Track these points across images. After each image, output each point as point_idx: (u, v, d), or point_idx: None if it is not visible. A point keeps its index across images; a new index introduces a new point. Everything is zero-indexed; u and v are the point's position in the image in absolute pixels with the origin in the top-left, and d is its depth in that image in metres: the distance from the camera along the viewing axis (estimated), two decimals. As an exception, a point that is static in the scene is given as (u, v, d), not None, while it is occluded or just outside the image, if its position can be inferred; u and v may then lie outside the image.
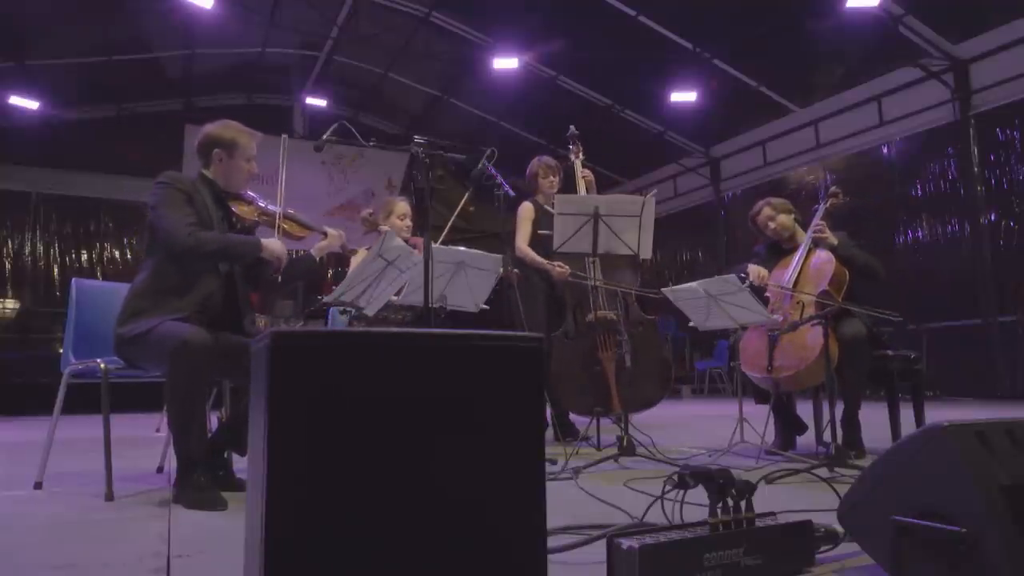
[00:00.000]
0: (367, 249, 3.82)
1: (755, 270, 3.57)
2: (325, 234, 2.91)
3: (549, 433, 4.06)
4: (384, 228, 3.63)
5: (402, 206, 3.86)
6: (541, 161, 4.41)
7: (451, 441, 1.15)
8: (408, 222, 3.81)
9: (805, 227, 3.67)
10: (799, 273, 3.50)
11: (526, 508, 1.17)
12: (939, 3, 8.08)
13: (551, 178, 4.34)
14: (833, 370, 3.11)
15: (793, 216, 3.76)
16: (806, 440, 3.64)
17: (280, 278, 2.86)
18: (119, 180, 11.12)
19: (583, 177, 4.26)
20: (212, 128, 2.71)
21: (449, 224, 4.38)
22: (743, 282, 3.49)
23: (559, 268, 4.02)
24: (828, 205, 3.65)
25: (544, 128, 12.54)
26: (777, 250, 3.80)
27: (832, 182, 9.87)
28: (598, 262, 3.74)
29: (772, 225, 3.75)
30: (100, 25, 9.94)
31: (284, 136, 2.90)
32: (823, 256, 3.48)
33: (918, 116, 9.03)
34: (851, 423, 3.32)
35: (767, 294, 3.59)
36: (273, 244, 2.63)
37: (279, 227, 2.74)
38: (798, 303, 3.42)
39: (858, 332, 3.27)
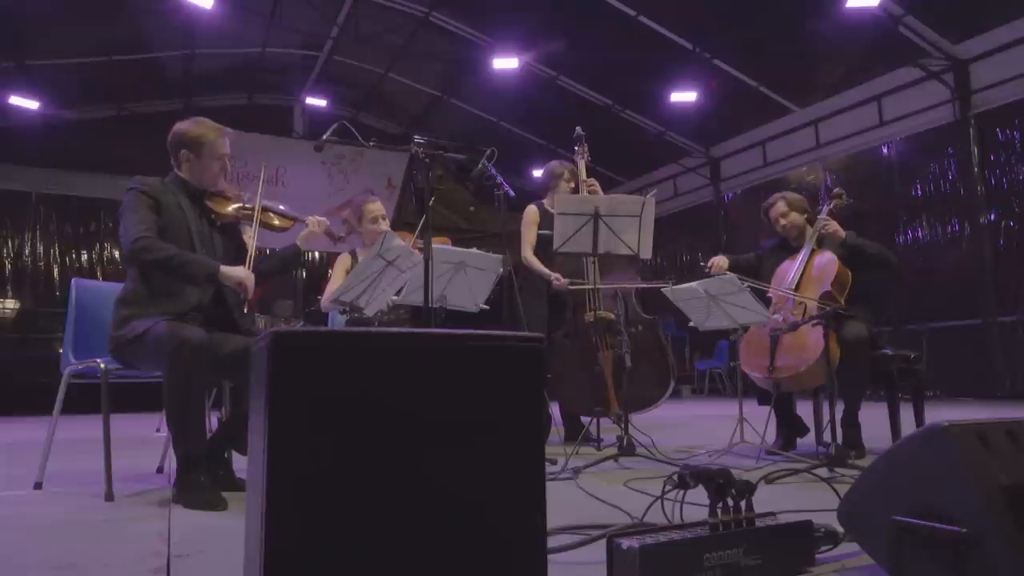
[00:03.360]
0: (350, 254, 3.81)
1: (713, 261, 3.70)
2: (305, 223, 2.89)
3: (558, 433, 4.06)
4: (372, 228, 3.64)
5: (371, 208, 3.76)
6: (564, 165, 4.38)
7: (451, 441, 1.15)
8: (380, 223, 3.73)
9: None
10: (802, 274, 3.48)
11: (526, 508, 1.17)
12: (939, 3, 8.08)
13: (573, 183, 4.33)
14: (834, 371, 3.11)
15: (806, 216, 3.73)
16: (806, 440, 3.64)
17: (268, 270, 2.85)
18: (119, 180, 10.98)
19: (588, 187, 4.26)
20: (180, 126, 2.68)
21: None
22: (704, 270, 3.63)
23: (557, 280, 4.03)
24: (832, 206, 3.64)
25: (544, 128, 12.54)
26: (784, 247, 3.79)
27: (832, 182, 9.88)
28: (597, 262, 3.74)
29: (783, 221, 3.72)
30: (100, 25, 9.94)
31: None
32: (826, 257, 3.46)
33: (918, 116, 9.03)
34: (851, 424, 3.31)
35: (769, 294, 3.59)
36: (234, 272, 2.48)
37: (259, 220, 2.72)
38: (800, 304, 3.41)
39: (860, 334, 3.26)
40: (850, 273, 3.42)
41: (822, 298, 3.33)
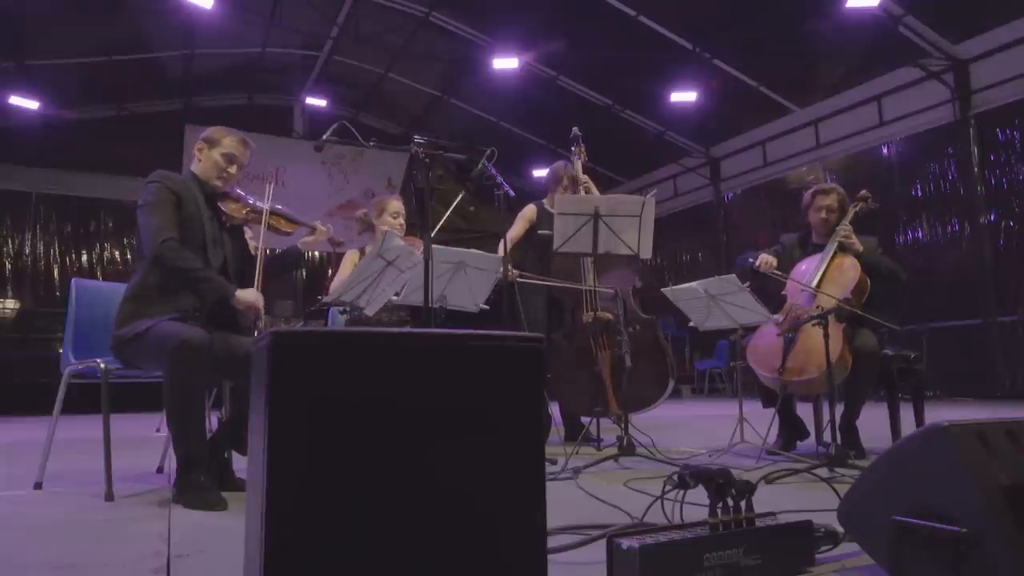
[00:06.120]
0: (359, 250, 3.83)
1: (763, 257, 3.56)
2: (313, 229, 2.91)
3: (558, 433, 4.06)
4: (384, 228, 3.63)
5: (394, 204, 3.83)
6: (568, 170, 4.34)
7: (451, 441, 1.15)
8: (401, 220, 3.78)
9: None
10: (823, 275, 3.43)
11: (526, 508, 1.17)
12: (939, 3, 8.09)
13: (571, 191, 4.30)
14: (844, 380, 3.11)
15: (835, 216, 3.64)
16: (806, 440, 3.63)
17: (267, 272, 2.85)
18: (119, 180, 11.13)
19: (583, 184, 4.27)
20: (208, 129, 2.77)
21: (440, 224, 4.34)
22: (751, 266, 3.51)
23: (511, 273, 3.99)
24: (857, 208, 3.57)
25: (544, 128, 12.55)
26: (804, 243, 3.73)
27: (832, 183, 9.86)
28: (595, 262, 3.74)
29: (824, 215, 3.60)
30: (100, 25, 9.94)
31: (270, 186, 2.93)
32: (849, 263, 3.40)
33: (918, 116, 9.04)
34: (849, 430, 3.30)
35: (784, 292, 3.56)
36: (247, 295, 2.53)
37: (267, 223, 2.76)
38: (818, 306, 3.31)
39: (874, 347, 3.24)
40: (869, 281, 3.37)
41: (841, 303, 3.27)
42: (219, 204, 2.71)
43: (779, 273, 3.52)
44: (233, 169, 2.72)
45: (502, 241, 4.24)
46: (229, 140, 2.70)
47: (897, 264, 3.55)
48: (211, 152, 2.69)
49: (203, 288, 2.49)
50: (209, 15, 9.55)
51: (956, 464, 1.20)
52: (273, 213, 2.78)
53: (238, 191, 2.80)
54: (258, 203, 2.79)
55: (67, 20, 9.58)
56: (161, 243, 2.43)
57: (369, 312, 3.16)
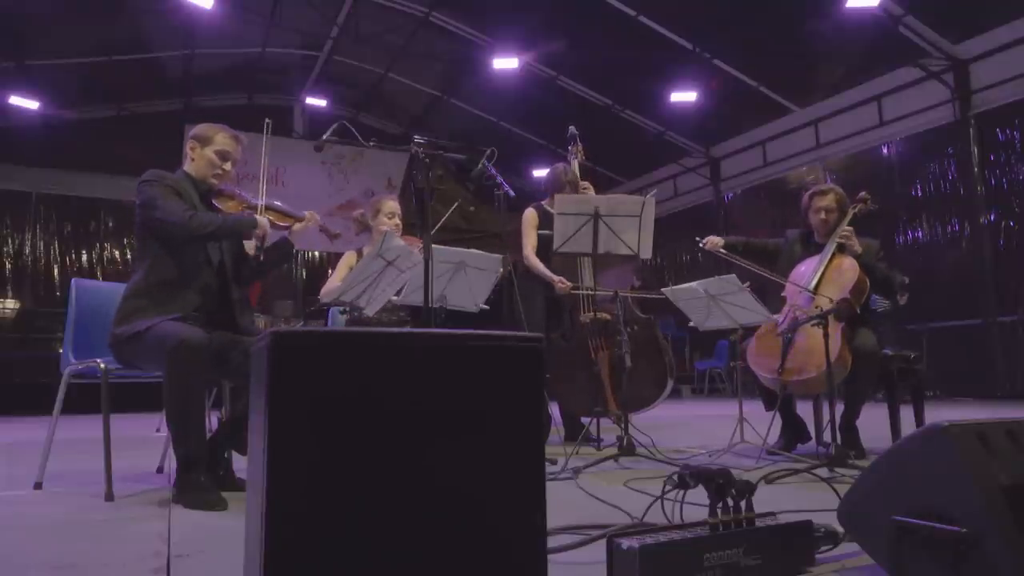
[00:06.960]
0: (356, 251, 3.83)
1: (709, 239, 3.70)
2: (301, 218, 2.90)
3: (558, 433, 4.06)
4: (383, 228, 3.63)
5: (390, 204, 3.82)
6: (569, 173, 4.31)
7: (451, 441, 1.15)
8: (397, 220, 3.77)
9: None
10: (821, 276, 3.42)
11: (526, 508, 1.17)
12: (939, 3, 8.09)
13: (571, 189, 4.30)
14: (843, 380, 3.11)
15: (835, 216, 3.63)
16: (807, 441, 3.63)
17: (261, 265, 2.85)
18: (119, 180, 11.11)
19: (583, 188, 4.27)
20: (197, 127, 2.78)
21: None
22: (700, 244, 3.67)
23: (561, 284, 4.03)
24: (856, 210, 3.56)
25: (544, 128, 12.56)
26: (806, 241, 3.72)
27: (832, 183, 9.86)
28: (595, 261, 3.73)
29: (824, 216, 3.58)
30: (100, 25, 9.95)
31: (268, 121, 2.94)
32: (848, 263, 3.39)
33: (918, 116, 9.04)
34: (849, 430, 3.30)
35: (784, 294, 3.56)
36: (263, 221, 2.70)
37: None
38: (817, 307, 3.33)
39: (873, 346, 3.24)
40: (868, 281, 3.37)
41: (839, 304, 3.27)
42: (215, 202, 2.71)
43: (723, 252, 3.60)
44: (228, 166, 2.72)
45: (529, 255, 4.24)
46: (221, 136, 2.70)
47: (892, 273, 3.53)
48: (204, 150, 2.68)
49: (240, 230, 2.61)
50: (209, 15, 9.55)
51: (956, 464, 1.20)
52: (269, 208, 2.79)
53: (234, 188, 2.80)
54: (253, 199, 2.79)
55: (67, 20, 9.59)
56: (189, 220, 2.47)
57: (369, 312, 3.16)
